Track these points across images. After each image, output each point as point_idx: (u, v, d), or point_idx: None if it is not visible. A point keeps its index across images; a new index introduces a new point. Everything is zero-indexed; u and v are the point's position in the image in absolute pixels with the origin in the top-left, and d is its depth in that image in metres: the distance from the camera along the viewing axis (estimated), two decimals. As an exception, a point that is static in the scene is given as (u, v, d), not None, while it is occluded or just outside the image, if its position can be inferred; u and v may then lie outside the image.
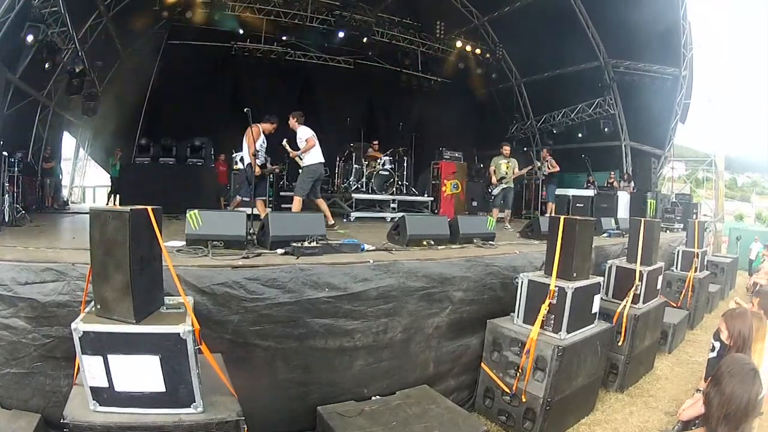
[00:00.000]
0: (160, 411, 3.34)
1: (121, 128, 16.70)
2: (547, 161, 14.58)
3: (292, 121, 9.69)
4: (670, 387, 7.54)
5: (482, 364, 6.44)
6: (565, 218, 6.19)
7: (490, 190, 12.57)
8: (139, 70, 16.82)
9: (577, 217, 6.41)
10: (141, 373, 3.30)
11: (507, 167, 12.42)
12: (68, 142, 17.64)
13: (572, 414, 6.22)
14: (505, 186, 12.42)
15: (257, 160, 8.75)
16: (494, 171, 12.43)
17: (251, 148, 8.62)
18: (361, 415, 5.10)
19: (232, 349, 4.65)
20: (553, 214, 13.13)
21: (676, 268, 11.32)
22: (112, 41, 14.96)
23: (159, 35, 16.69)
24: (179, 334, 3.28)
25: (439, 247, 7.28)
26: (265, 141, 8.79)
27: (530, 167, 13.65)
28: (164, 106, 16.91)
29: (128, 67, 16.55)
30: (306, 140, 9.62)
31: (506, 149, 12.75)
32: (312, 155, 9.84)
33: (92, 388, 3.29)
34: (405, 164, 16.58)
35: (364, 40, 17.78)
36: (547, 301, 5.89)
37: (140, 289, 3.46)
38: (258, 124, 8.66)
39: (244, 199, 8.82)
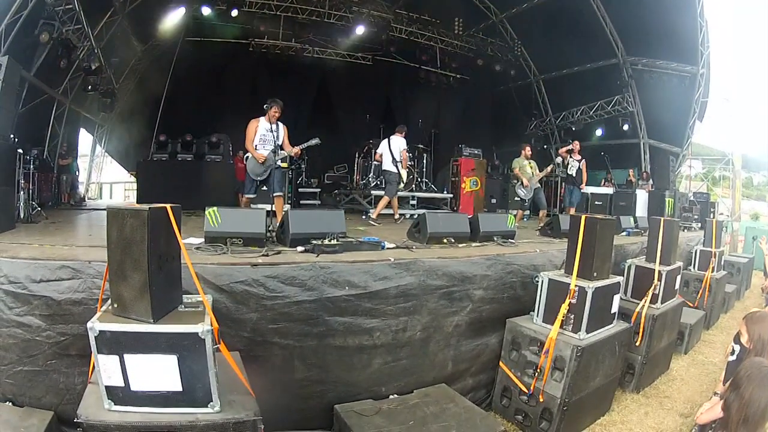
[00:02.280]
0: (176, 410, 3.29)
1: (138, 125, 16.75)
2: (572, 159, 13.57)
3: None
4: (685, 388, 7.43)
5: (500, 364, 6.38)
6: (586, 217, 6.11)
7: (522, 196, 12.25)
8: (155, 66, 16.84)
9: (599, 216, 6.33)
10: (158, 372, 3.25)
11: (531, 168, 12.22)
12: (85, 138, 17.75)
13: (588, 414, 6.15)
14: (535, 187, 12.23)
15: (263, 151, 8.47)
16: (520, 173, 12.17)
17: (248, 142, 8.46)
18: (378, 413, 5.06)
19: (250, 348, 4.64)
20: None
21: (694, 267, 11.15)
22: (128, 38, 14.96)
23: (176, 31, 16.67)
24: (198, 333, 3.23)
25: (460, 245, 7.23)
26: (273, 130, 8.55)
27: (551, 168, 13.43)
28: (182, 102, 16.83)
29: (145, 64, 16.56)
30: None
31: (528, 150, 12.54)
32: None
33: (107, 387, 3.24)
34: (424, 161, 16.57)
35: (383, 37, 17.70)
36: (567, 301, 5.81)
37: (158, 288, 3.40)
38: (258, 117, 8.51)
39: (248, 195, 8.62)
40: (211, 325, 3.29)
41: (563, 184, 14.87)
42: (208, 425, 3.24)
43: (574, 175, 13.08)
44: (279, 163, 8.46)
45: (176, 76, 17.19)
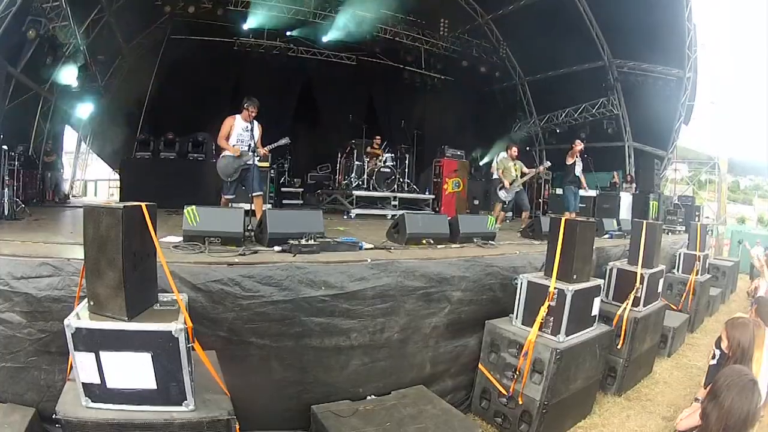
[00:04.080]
0: (152, 408, 3.33)
1: (122, 122, 16.67)
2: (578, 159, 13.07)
3: None
4: (668, 391, 7.51)
5: (479, 366, 6.43)
6: (566, 219, 6.18)
7: (503, 197, 12.22)
8: (140, 64, 16.80)
9: (579, 219, 6.40)
10: (133, 370, 3.30)
11: (516, 169, 12.17)
12: (70, 135, 17.63)
13: (569, 417, 6.21)
14: (517, 189, 12.22)
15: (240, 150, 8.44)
16: (503, 173, 12.17)
17: (220, 140, 8.46)
18: (355, 414, 5.09)
19: (226, 347, 4.65)
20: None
21: (678, 270, 11.28)
22: (114, 36, 14.93)
23: (161, 30, 16.64)
24: (171, 332, 3.27)
25: (439, 246, 7.28)
26: (248, 129, 8.45)
27: (537, 170, 13.42)
28: (166, 101, 16.81)
29: (130, 62, 16.54)
30: None
31: (514, 150, 12.56)
32: None
33: (84, 384, 3.28)
34: (407, 161, 16.63)
35: (367, 37, 17.75)
36: (547, 303, 5.87)
37: (133, 286, 3.45)
38: (234, 115, 8.50)
39: (227, 196, 8.60)
40: (185, 324, 3.33)
41: (562, 186, 14.57)
42: (183, 424, 3.29)
43: (579, 176, 12.94)
44: (257, 162, 8.47)
45: (161, 74, 17.16)
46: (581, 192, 13.54)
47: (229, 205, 8.51)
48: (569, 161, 12.66)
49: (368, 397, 5.53)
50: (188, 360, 3.32)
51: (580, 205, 13.64)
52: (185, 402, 3.36)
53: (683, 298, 10.52)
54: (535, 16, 17.42)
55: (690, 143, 23.39)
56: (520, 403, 5.80)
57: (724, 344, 4.64)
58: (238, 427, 3.46)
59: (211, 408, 3.44)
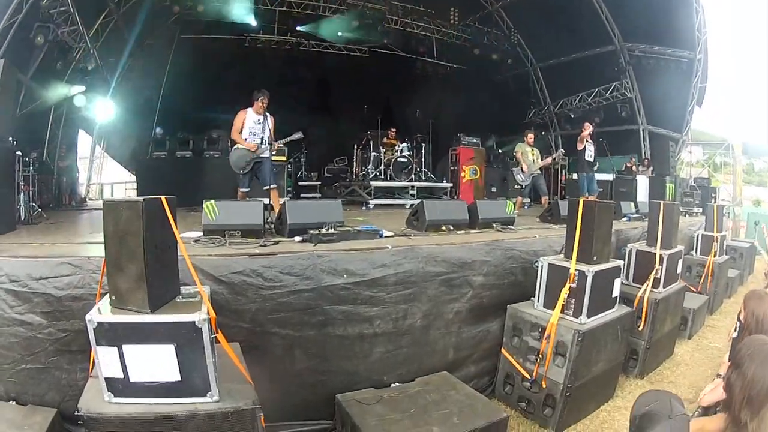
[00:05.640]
0: (176, 400, 3.31)
1: (136, 124, 16.73)
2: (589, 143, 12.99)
3: None
4: (690, 373, 7.45)
5: (502, 350, 6.41)
6: (584, 201, 6.15)
7: (519, 181, 12.28)
8: (152, 65, 16.84)
9: (597, 200, 6.35)
10: (156, 362, 3.26)
11: (533, 155, 12.17)
12: (84, 139, 17.71)
13: (593, 400, 6.17)
14: (535, 174, 12.21)
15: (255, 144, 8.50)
16: (522, 158, 12.14)
17: (234, 134, 8.52)
18: (379, 402, 5.08)
19: (249, 338, 4.66)
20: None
21: (696, 252, 11.18)
22: (123, 38, 14.95)
23: (171, 30, 16.66)
24: (194, 322, 3.24)
25: (458, 232, 7.31)
26: (260, 122, 8.52)
27: (555, 156, 13.35)
28: (179, 100, 16.86)
29: (141, 62, 16.57)
30: None
31: (531, 137, 12.48)
32: None
33: (107, 380, 3.26)
34: (423, 151, 16.67)
35: (378, 28, 17.69)
36: (568, 285, 5.84)
37: (155, 279, 3.42)
38: (246, 109, 8.57)
39: (242, 190, 8.60)
40: (208, 314, 3.30)
41: (576, 172, 14.50)
42: (208, 414, 3.26)
43: (592, 161, 12.89)
44: (269, 155, 8.48)
45: (173, 74, 17.25)
46: (598, 176, 13.50)
47: (247, 198, 8.50)
48: (579, 147, 12.59)
49: (392, 385, 5.54)
50: (212, 350, 3.29)
51: (599, 189, 13.51)
52: (209, 393, 3.33)
53: (702, 280, 10.41)
54: (544, 3, 17.36)
55: (704, 126, 23.25)
56: (544, 386, 5.76)
57: (741, 315, 4.59)
58: (263, 417, 3.44)
59: (236, 398, 3.41)
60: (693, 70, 16.35)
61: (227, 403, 3.34)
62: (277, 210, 7.23)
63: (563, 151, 13.61)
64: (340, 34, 18.06)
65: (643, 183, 16.32)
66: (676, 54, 16.62)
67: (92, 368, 3.57)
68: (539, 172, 12.28)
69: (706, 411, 4.34)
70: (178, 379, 3.29)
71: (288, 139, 8.60)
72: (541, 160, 12.38)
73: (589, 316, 5.83)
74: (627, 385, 7.02)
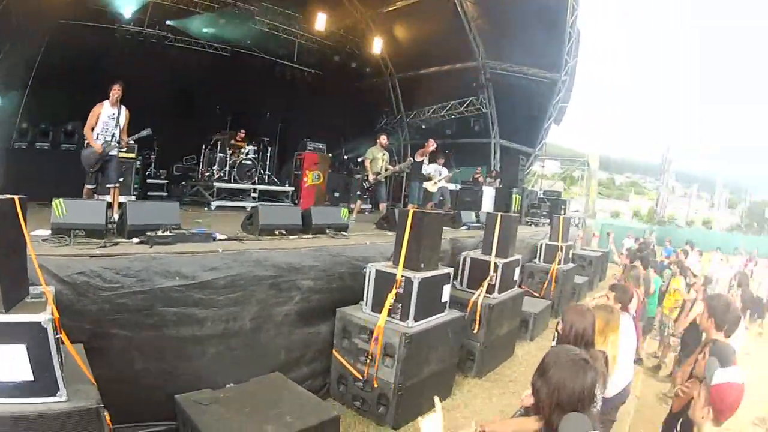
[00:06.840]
0: (29, 400, 3.42)
1: (2, 111, 16.09)
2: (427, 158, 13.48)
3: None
4: (529, 372, 7.89)
5: (334, 351, 6.90)
6: (414, 211, 6.70)
7: (365, 186, 12.17)
8: (24, 49, 16.24)
9: (427, 211, 6.86)
10: (10, 362, 3.40)
11: (383, 161, 12.10)
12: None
13: (427, 398, 6.55)
14: (382, 180, 12.24)
15: (97, 141, 8.36)
16: (370, 163, 12.02)
17: (86, 130, 8.37)
18: (216, 402, 5.30)
19: (92, 339, 4.76)
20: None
21: (539, 260, 12.22)
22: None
23: (49, 14, 16.12)
24: (41, 323, 3.38)
25: (291, 237, 7.67)
26: (114, 116, 8.42)
27: (399, 166, 13.77)
28: (47, 88, 16.19)
29: (13, 46, 15.96)
30: None
31: (383, 139, 12.38)
32: None
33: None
34: (269, 154, 16.99)
35: (244, 28, 17.93)
36: (394, 291, 6.36)
37: (8, 279, 3.53)
38: (102, 102, 8.46)
39: (88, 186, 8.45)
40: (53, 315, 3.46)
41: (411, 181, 14.82)
42: (60, 413, 3.40)
43: (427, 173, 13.31)
44: (117, 152, 8.61)
45: (45, 61, 16.63)
46: (450, 186, 14.25)
47: (94, 196, 8.48)
48: (418, 158, 13.03)
49: (228, 385, 5.79)
50: (57, 351, 3.45)
51: (440, 198, 13.92)
52: (58, 392, 3.48)
53: (545, 286, 11.43)
54: (416, 16, 18.17)
55: (567, 142, 24.72)
56: (375, 386, 6.24)
57: (560, 327, 5.04)
58: (108, 416, 3.61)
59: (82, 398, 3.55)
60: (555, 91, 17.61)
61: (74, 403, 3.48)
62: (115, 208, 7.47)
63: (411, 160, 13.91)
64: (205, 30, 18.13)
65: (489, 194, 17.15)
66: (539, 75, 17.84)
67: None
68: (382, 180, 12.30)
69: (527, 412, 4.90)
70: (32, 378, 3.44)
71: (137, 135, 8.60)
72: (390, 164, 12.49)
73: (416, 320, 6.37)
74: (465, 383, 7.71)
